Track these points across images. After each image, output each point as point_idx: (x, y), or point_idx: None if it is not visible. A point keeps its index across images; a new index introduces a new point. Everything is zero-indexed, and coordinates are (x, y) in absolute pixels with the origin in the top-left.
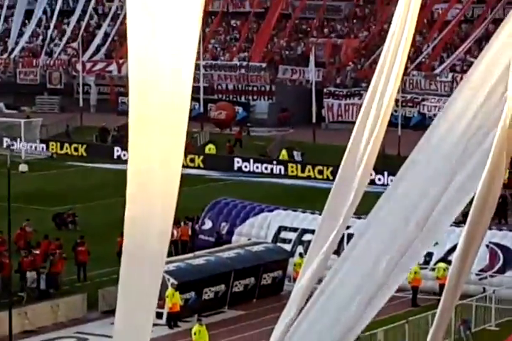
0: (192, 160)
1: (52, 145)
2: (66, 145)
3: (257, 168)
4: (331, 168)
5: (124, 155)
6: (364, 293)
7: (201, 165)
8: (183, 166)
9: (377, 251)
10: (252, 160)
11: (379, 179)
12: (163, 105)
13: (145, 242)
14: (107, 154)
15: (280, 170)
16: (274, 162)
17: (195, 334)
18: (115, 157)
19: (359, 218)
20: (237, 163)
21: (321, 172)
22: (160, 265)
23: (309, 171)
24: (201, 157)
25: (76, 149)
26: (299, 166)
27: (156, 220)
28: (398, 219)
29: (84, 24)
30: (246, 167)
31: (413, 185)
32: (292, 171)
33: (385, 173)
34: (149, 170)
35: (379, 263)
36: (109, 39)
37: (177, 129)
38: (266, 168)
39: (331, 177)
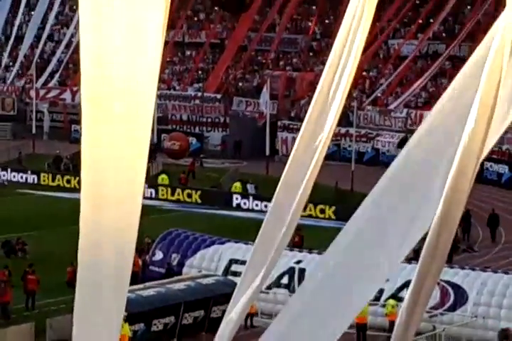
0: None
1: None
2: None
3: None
4: None
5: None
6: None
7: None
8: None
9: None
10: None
11: (333, 213)
12: (119, 134)
13: (101, 273)
14: None
15: None
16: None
17: None
18: None
19: (310, 252)
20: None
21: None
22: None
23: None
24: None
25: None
26: None
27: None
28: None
29: (38, 51)
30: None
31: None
32: None
33: (338, 208)
34: (105, 201)
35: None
36: (63, 66)
37: (136, 160)
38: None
39: None
